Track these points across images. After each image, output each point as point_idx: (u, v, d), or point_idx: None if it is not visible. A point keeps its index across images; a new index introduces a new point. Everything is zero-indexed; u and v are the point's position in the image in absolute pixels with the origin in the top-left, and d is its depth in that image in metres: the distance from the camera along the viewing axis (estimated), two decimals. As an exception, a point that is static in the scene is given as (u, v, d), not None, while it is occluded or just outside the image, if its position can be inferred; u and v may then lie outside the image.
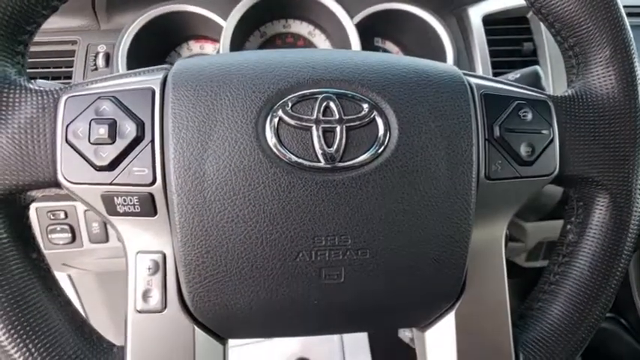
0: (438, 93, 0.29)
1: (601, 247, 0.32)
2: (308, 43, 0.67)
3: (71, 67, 0.54)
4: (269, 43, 0.67)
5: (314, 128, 0.27)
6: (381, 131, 0.28)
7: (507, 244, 0.39)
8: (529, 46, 0.57)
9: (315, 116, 0.27)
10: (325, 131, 0.27)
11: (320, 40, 0.67)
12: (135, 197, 0.27)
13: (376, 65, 0.30)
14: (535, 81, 0.44)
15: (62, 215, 0.55)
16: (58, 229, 0.57)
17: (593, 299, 0.33)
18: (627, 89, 0.32)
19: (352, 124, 0.28)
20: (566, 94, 0.34)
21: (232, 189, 0.26)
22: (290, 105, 0.27)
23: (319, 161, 0.27)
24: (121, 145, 0.27)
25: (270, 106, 0.27)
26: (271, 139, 0.27)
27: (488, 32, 0.58)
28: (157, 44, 0.60)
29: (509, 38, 0.57)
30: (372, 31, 0.67)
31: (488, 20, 0.58)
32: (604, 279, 0.33)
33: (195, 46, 0.65)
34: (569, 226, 0.34)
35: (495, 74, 0.57)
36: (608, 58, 0.32)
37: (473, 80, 0.32)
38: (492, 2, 0.58)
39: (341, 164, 0.27)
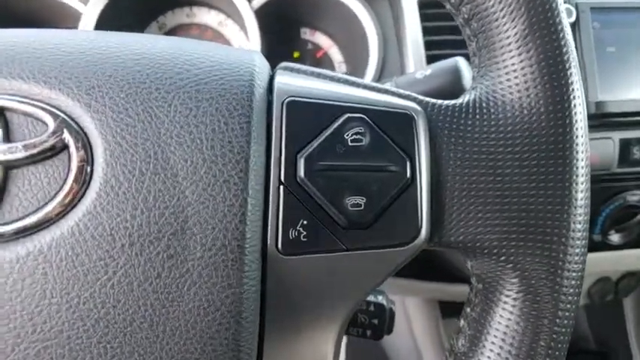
0: (193, 99, 0.17)
1: None
2: (218, 36, 0.56)
3: None
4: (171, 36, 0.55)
5: None
6: (73, 169, 0.16)
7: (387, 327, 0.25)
8: (478, 34, 0.44)
9: None
10: None
11: (232, 32, 0.55)
12: None
13: (81, 50, 0.17)
14: (454, 79, 0.31)
15: None
16: None
17: None
18: (553, 91, 0.19)
19: (14, 157, 0.16)
20: (457, 101, 0.20)
21: None
22: None
23: None
24: None
25: None
26: None
27: (426, 18, 0.45)
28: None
29: (450, 25, 0.44)
30: (297, 20, 0.55)
31: (426, 3, 0.45)
32: None
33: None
34: (462, 322, 0.21)
35: (433, 72, 0.44)
36: (522, 36, 0.19)
37: (283, 78, 0.19)
38: (431, -20, 0.45)
39: None
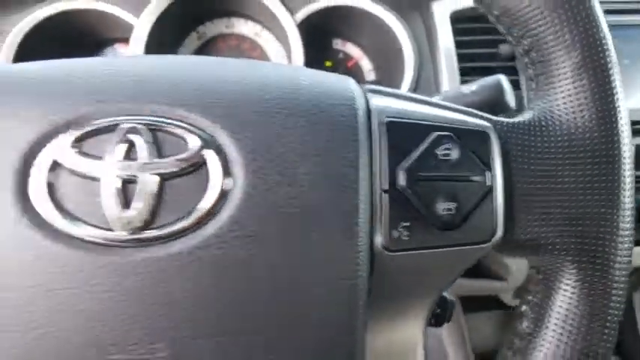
0: (309, 121, 0.20)
1: (564, 347, 0.22)
2: (255, 46, 0.59)
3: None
4: (209, 46, 0.58)
5: (105, 178, 0.18)
6: (216, 181, 0.19)
7: (448, 318, 0.29)
8: (506, 48, 0.47)
9: (109, 159, 0.18)
10: (127, 182, 0.18)
11: (268, 42, 0.58)
12: None
13: (215, 77, 0.20)
14: (497, 95, 0.34)
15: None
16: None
17: None
18: (604, 113, 0.22)
19: (168, 170, 0.18)
20: (520, 119, 0.24)
21: None
22: (72, 142, 0.18)
23: (110, 229, 0.18)
24: None
25: (40, 143, 0.18)
26: (37, 195, 0.18)
27: (458, 32, 0.48)
28: (70, 49, 0.52)
29: (483, 39, 0.47)
30: (330, 31, 0.58)
31: (459, 18, 0.48)
32: None
33: (122, 50, 0.57)
34: (524, 307, 0.24)
35: (465, 83, 0.47)
36: (576, 67, 0.22)
37: (376, 100, 0.22)
38: (462, -4, 0.48)
39: (147, 234, 0.18)
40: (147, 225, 0.18)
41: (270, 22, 0.54)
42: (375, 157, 0.21)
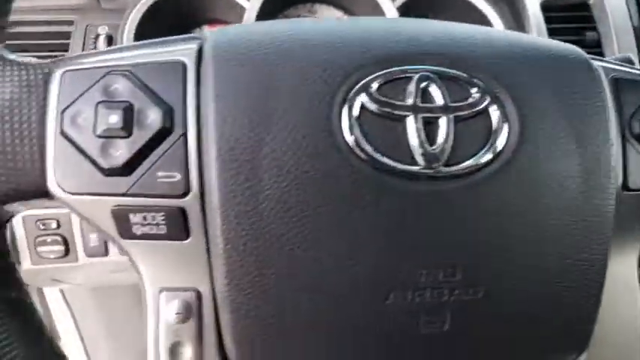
0: (565, 77, 0.22)
1: None
2: (336, 32, 0.60)
3: (67, 51, 0.46)
4: (292, 30, 0.59)
5: (410, 118, 0.20)
6: (495, 125, 0.21)
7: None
8: (592, 35, 0.50)
9: (411, 101, 0.20)
10: (425, 123, 0.20)
11: (349, 28, 0.60)
12: (160, 214, 0.20)
13: (485, 39, 0.23)
14: (628, 69, 0.38)
15: (54, 225, 0.47)
16: (49, 240, 0.49)
17: None
18: None
19: (460, 113, 0.20)
20: None
21: (298, 202, 0.19)
22: (376, 87, 0.20)
23: (416, 163, 0.20)
24: (140, 139, 0.19)
25: (348, 87, 0.20)
26: (350, 134, 0.20)
27: (546, 20, 0.51)
28: (166, 28, 0.52)
29: (570, 27, 0.51)
30: (409, 17, 0.60)
31: (546, 7, 0.51)
32: None
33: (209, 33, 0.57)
34: None
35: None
36: None
37: (596, 62, 0.25)
38: (550, -14, 0.51)
39: (446, 169, 0.20)
40: (445, 161, 0.20)
41: (358, 8, 0.56)
42: (611, 109, 0.23)
